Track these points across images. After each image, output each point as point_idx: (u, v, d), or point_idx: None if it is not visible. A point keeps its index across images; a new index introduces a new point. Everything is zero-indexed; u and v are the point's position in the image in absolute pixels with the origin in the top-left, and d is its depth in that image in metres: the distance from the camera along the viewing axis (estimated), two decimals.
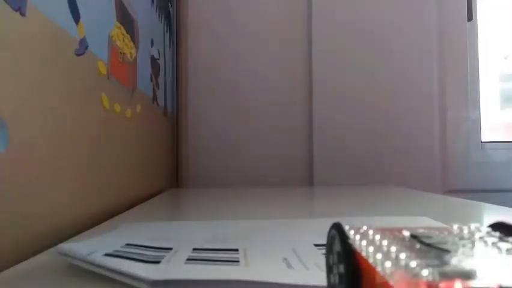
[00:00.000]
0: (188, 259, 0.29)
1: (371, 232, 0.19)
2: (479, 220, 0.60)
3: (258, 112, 1.30)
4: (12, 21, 0.36)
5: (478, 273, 0.14)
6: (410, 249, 0.16)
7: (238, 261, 0.29)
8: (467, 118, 1.32)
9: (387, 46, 1.30)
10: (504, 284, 0.13)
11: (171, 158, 1.20)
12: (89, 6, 0.53)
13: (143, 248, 0.32)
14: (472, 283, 0.13)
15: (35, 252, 0.36)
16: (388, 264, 0.15)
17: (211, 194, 0.95)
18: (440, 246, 0.17)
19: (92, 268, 0.27)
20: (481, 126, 1.35)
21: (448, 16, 1.33)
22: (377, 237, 0.17)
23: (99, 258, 0.28)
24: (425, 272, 0.14)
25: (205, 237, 0.38)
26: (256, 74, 1.30)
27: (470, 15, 1.35)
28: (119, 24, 0.66)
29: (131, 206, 0.71)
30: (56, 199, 0.44)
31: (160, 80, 1.03)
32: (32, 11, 0.39)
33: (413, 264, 0.15)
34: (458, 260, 0.15)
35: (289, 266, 0.28)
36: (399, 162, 1.30)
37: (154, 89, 0.95)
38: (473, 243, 0.18)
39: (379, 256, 0.15)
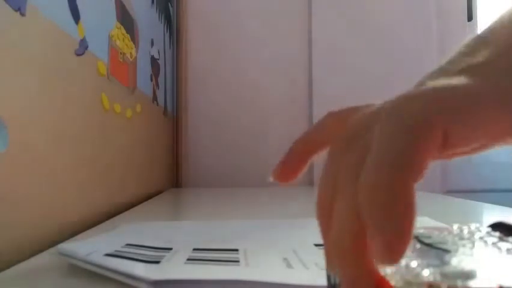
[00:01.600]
0: (188, 259, 0.29)
1: None
2: (479, 220, 0.60)
3: (258, 112, 1.30)
4: (12, 21, 0.36)
5: (478, 273, 0.14)
6: (410, 249, 0.16)
7: (238, 261, 0.29)
8: None
9: (387, 46, 1.30)
10: (504, 284, 0.13)
11: (171, 157, 1.20)
12: (89, 6, 0.53)
13: (143, 248, 0.32)
14: (472, 283, 0.13)
15: (35, 252, 0.36)
16: None
17: (211, 194, 0.95)
18: (440, 246, 0.17)
19: (92, 268, 0.27)
20: None
21: (448, 16, 1.33)
22: None
23: (99, 258, 0.28)
24: (425, 272, 0.14)
25: (205, 237, 0.38)
26: (256, 73, 1.30)
27: (470, 16, 1.35)
28: (119, 24, 0.66)
29: (131, 205, 0.71)
30: (56, 199, 0.44)
31: (160, 79, 1.03)
32: (32, 11, 0.39)
33: (414, 264, 0.15)
34: (458, 260, 0.15)
35: (289, 266, 0.28)
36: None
37: (154, 88, 0.95)
38: (473, 243, 0.18)
39: None
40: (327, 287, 0.19)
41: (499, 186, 1.28)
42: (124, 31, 0.69)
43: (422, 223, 0.46)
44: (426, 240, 0.18)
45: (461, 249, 0.17)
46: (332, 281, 0.19)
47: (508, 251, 0.17)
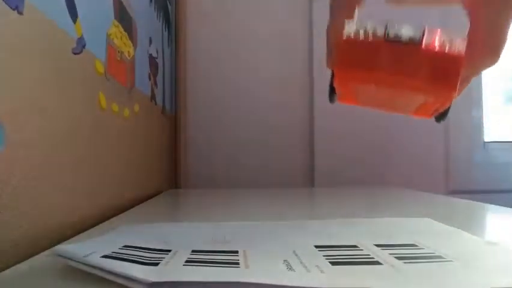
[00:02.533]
0: (187, 261, 0.29)
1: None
2: (482, 222, 0.60)
3: (258, 112, 1.29)
4: (10, 20, 0.35)
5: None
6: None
7: (238, 263, 0.29)
8: (469, 118, 1.31)
9: None
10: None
11: (170, 158, 1.20)
12: (86, 4, 0.52)
13: (141, 249, 0.32)
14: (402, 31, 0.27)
15: (34, 253, 0.36)
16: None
17: (211, 195, 0.94)
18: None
19: (89, 270, 0.27)
20: (484, 126, 1.35)
21: (449, 15, 1.32)
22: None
23: (96, 259, 0.27)
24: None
25: (204, 239, 0.38)
26: (256, 73, 1.30)
27: None
28: (117, 23, 0.66)
29: (129, 207, 0.70)
30: (54, 199, 0.44)
31: (159, 79, 1.03)
32: (29, 10, 0.38)
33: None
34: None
35: (289, 268, 0.28)
36: (401, 163, 1.29)
37: (152, 88, 0.95)
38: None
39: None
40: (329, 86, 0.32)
41: (503, 187, 1.28)
42: (122, 29, 0.68)
43: (425, 224, 0.46)
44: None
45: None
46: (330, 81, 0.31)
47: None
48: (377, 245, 0.34)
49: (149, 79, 0.92)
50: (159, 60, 1.04)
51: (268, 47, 1.31)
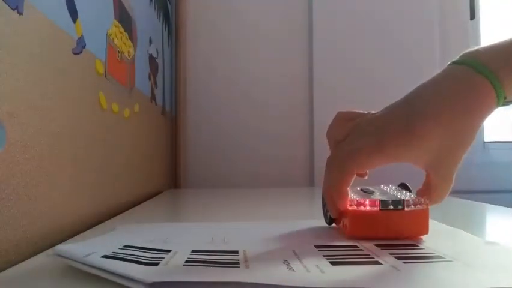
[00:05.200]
0: (187, 261, 0.29)
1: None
2: (481, 221, 0.60)
3: (258, 112, 1.29)
4: (10, 20, 0.35)
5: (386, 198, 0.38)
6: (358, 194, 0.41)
7: (238, 263, 0.29)
8: None
9: (388, 46, 1.30)
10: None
11: (170, 158, 1.19)
12: (86, 4, 0.52)
13: (141, 249, 0.32)
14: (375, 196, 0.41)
15: (33, 253, 0.36)
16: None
17: (211, 195, 0.94)
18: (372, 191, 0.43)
19: (89, 270, 0.27)
20: (484, 126, 1.35)
21: (450, 15, 1.32)
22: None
23: (96, 260, 0.27)
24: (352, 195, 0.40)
25: (204, 239, 0.38)
26: (256, 73, 1.30)
27: (473, 14, 1.35)
28: (117, 23, 0.66)
29: (129, 206, 0.70)
30: (54, 199, 0.44)
31: (159, 79, 1.03)
32: (29, 10, 0.38)
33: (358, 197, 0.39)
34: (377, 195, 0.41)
35: (290, 268, 0.27)
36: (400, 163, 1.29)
37: (152, 88, 0.95)
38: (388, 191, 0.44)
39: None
40: (328, 219, 0.44)
41: (502, 187, 1.27)
42: (122, 29, 0.68)
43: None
44: (366, 190, 0.44)
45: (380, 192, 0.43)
46: (328, 215, 0.43)
47: (403, 193, 0.41)
48: (377, 245, 0.34)
49: (149, 79, 0.92)
50: (159, 60, 1.04)
51: (268, 46, 1.31)
